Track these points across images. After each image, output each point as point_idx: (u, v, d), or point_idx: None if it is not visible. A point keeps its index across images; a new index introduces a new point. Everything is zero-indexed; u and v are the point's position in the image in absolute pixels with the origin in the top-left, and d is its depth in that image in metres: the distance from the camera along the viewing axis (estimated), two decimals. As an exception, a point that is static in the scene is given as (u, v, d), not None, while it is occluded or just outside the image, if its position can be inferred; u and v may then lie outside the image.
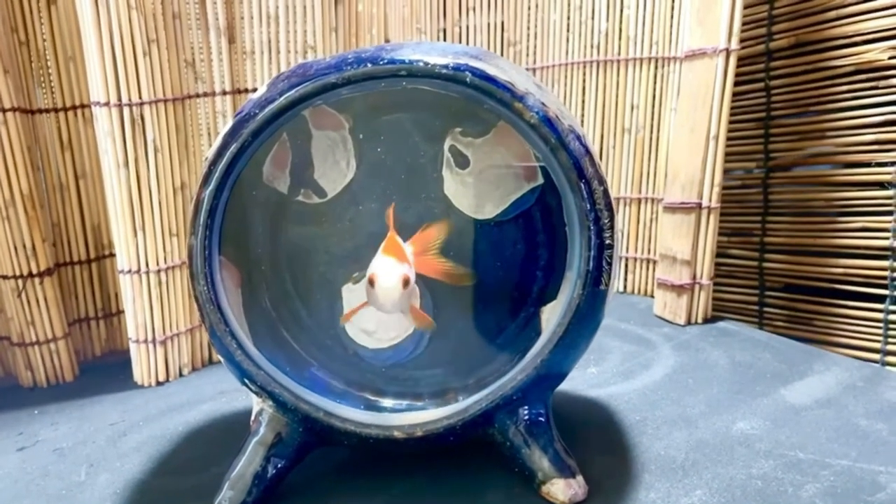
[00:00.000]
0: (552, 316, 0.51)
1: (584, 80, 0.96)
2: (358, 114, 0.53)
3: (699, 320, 0.79)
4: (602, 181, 0.45)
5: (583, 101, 0.97)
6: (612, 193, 0.97)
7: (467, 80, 0.43)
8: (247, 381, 0.46)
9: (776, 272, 0.90)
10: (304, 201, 0.54)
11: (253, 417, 0.48)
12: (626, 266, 0.97)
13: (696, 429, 0.53)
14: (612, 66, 0.93)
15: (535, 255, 0.54)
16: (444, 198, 0.54)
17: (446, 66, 0.43)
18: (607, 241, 0.45)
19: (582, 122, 0.98)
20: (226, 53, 0.71)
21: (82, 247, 0.81)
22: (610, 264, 0.45)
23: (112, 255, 0.81)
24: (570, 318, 0.44)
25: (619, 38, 0.92)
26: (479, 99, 0.44)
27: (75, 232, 0.80)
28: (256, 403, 0.48)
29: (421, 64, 0.43)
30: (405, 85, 0.45)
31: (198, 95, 0.71)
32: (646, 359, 0.69)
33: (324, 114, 0.53)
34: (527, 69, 1.01)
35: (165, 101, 0.67)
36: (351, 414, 0.47)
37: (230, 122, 0.46)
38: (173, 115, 0.68)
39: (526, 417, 0.46)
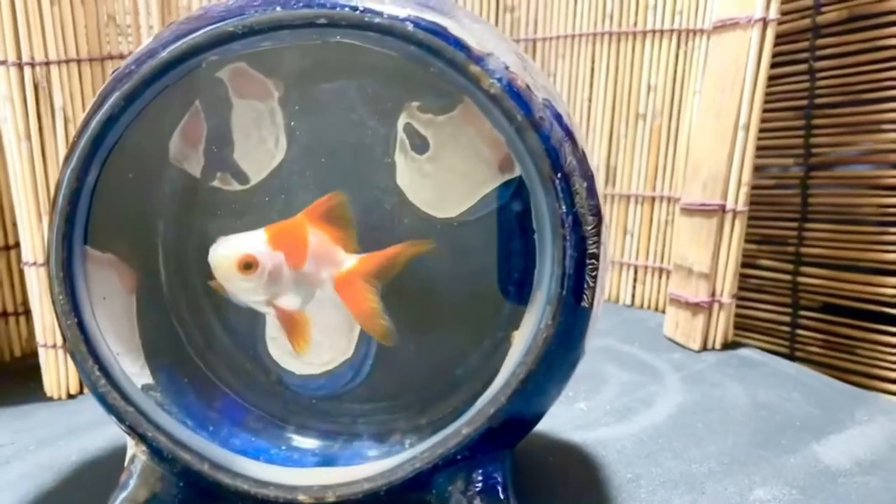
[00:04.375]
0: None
1: (593, 56, 0.87)
2: (291, 79, 0.44)
3: (717, 346, 0.70)
4: (587, 176, 0.36)
5: (591, 81, 0.88)
6: (623, 189, 0.89)
7: (408, 31, 0.33)
8: (114, 418, 0.37)
9: (813, 289, 0.81)
10: (220, 188, 0.45)
11: (126, 463, 0.39)
12: (636, 276, 0.88)
13: (703, 495, 0.44)
14: (627, 40, 0.84)
15: (508, 265, 0.45)
16: (396, 189, 0.45)
17: (380, 14, 0.34)
18: (591, 251, 0.35)
19: (589, 105, 0.89)
20: (156, 5, 0.62)
21: (-1, 231, 0.72)
22: (594, 283, 0.36)
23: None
24: (535, 356, 0.35)
25: (636, 6, 0.83)
26: (423, 60, 0.35)
27: (-11, 214, 0.72)
28: (130, 446, 0.39)
29: (346, 10, 0.34)
30: (327, 39, 0.36)
31: (121, 56, 0.62)
32: (648, 393, 0.60)
33: (247, 78, 0.44)
34: (526, 40, 0.92)
35: (79, 60, 0.58)
36: (245, 467, 0.38)
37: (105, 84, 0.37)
38: (89, 79, 0.59)
39: (474, 483, 0.36)
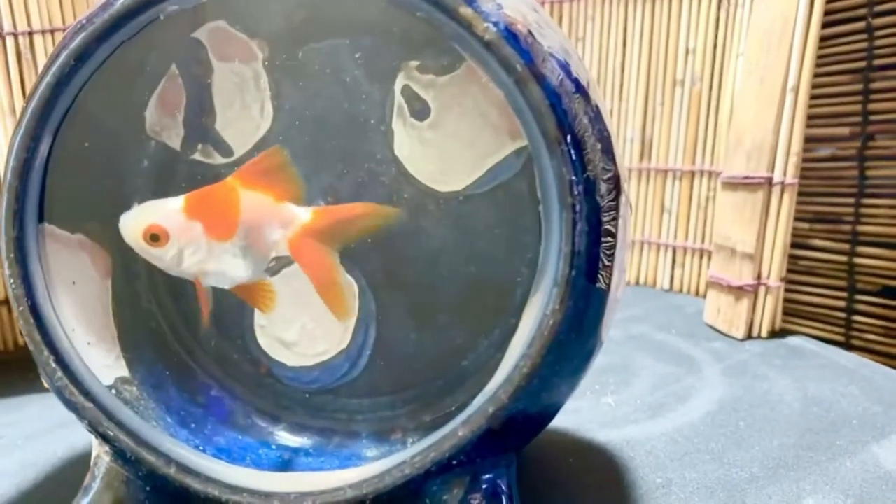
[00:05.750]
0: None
1: (626, 17, 0.83)
2: (276, 39, 0.40)
3: (763, 334, 0.65)
4: (602, 136, 0.31)
5: (624, 45, 0.83)
6: (659, 163, 0.84)
7: (386, -30, 0.29)
8: (74, 414, 0.34)
9: (871, 271, 0.76)
10: (202, 161, 0.42)
11: (92, 462, 0.36)
12: (674, 258, 0.83)
13: (743, 504, 0.39)
14: (664, -1, 0.79)
15: (520, 243, 0.41)
16: (394, 160, 0.41)
17: (356, -48, 0.29)
18: (607, 226, 0.31)
19: (622, 71, 0.83)
20: (147, -30, 0.59)
21: (-1, 215, 0.70)
22: (611, 262, 0.31)
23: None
24: (541, 347, 0.31)
25: (674, -38, 0.78)
26: (408, 4, 0.30)
27: (-11, 197, 0.70)
28: (94, 446, 0.36)
29: (316, -53, 0.30)
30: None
31: (111, 24, 0.59)
32: (684, 386, 0.55)
33: (228, 38, 0.40)
34: (552, 2, 0.87)
35: (65, 30, 0.55)
36: (217, 471, 0.34)
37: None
38: (77, 49, 0.56)
39: (474, 492, 0.32)
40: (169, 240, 0.34)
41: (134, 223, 0.34)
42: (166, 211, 0.34)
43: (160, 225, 0.34)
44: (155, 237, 0.34)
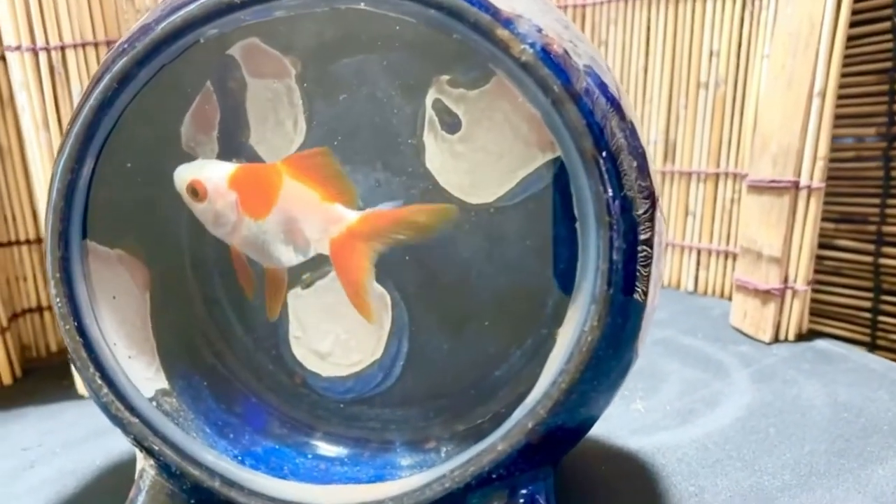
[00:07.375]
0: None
1: (649, 20, 0.82)
2: (308, 55, 0.41)
3: (790, 337, 0.65)
4: (638, 153, 0.31)
5: (647, 47, 0.83)
6: (683, 166, 0.84)
7: (422, -8, 0.30)
8: (119, 429, 0.35)
9: None
10: (237, 176, 0.42)
11: (137, 475, 0.37)
12: (699, 260, 0.83)
13: (777, 513, 0.39)
14: (687, 1, 0.79)
15: (551, 254, 0.41)
16: (425, 173, 0.41)
17: (393, -26, 0.30)
18: (643, 237, 0.31)
19: (645, 74, 0.83)
20: (175, -17, 0.60)
21: (30, 223, 0.71)
22: (648, 273, 0.32)
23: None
24: (579, 363, 0.31)
25: (697, -37, 0.78)
26: (445, 25, 0.31)
27: (21, 205, 0.71)
28: (139, 459, 0.37)
29: (355, -29, 0.30)
30: (335, 6, 0.33)
31: (141, 37, 0.59)
32: (713, 392, 0.55)
33: (261, 55, 0.41)
34: (574, 6, 0.87)
35: (96, 44, 0.56)
36: (261, 483, 0.35)
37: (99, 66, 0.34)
38: (108, 63, 0.57)
39: (513, 504, 0.33)
40: (206, 198, 0.36)
41: (183, 174, 0.37)
42: (214, 172, 0.36)
43: (201, 182, 0.36)
44: (194, 192, 0.36)
